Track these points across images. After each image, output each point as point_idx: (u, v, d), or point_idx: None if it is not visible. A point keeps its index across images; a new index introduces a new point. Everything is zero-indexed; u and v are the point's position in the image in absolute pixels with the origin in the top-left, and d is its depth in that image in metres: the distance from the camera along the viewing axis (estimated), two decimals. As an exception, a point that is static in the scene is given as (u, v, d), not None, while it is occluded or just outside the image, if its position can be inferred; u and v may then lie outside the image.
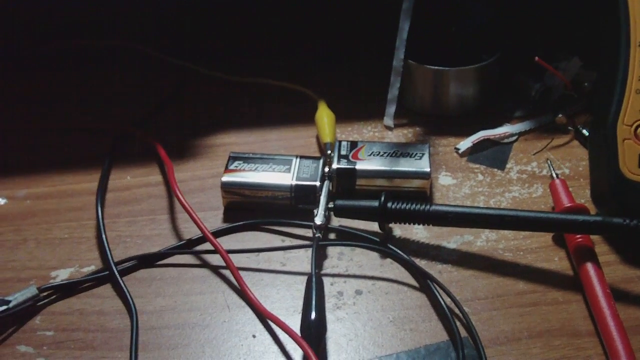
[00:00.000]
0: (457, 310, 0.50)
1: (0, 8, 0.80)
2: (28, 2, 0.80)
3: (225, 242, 0.56)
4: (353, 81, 0.76)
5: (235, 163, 0.59)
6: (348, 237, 0.57)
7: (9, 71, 0.78)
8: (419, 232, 0.57)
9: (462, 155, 0.65)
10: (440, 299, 0.51)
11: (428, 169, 0.59)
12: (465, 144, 0.65)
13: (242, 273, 0.52)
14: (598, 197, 0.57)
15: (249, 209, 0.58)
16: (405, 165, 0.59)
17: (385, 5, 0.68)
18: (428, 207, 0.54)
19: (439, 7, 0.70)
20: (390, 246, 0.55)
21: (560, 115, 0.67)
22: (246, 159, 0.60)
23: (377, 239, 0.56)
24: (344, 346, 0.49)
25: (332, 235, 0.57)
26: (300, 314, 0.49)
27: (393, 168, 0.59)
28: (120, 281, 0.52)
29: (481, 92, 0.69)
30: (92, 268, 0.54)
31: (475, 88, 0.69)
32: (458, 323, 0.49)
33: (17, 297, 0.50)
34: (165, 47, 0.80)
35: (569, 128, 0.67)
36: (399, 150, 0.61)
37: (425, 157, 0.60)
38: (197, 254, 0.55)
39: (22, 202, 0.61)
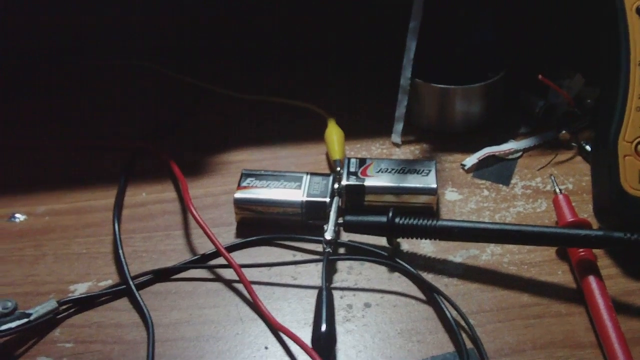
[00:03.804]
0: (462, 323, 0.51)
1: (18, 27, 0.82)
2: (45, 20, 0.82)
3: (238, 256, 0.57)
4: (361, 99, 0.77)
5: (248, 180, 0.61)
6: (357, 252, 0.58)
7: (26, 89, 0.80)
8: (426, 247, 0.58)
9: (467, 171, 0.66)
10: (447, 312, 0.52)
11: (435, 185, 0.60)
12: (470, 160, 0.67)
13: (254, 287, 0.53)
14: (600, 212, 0.58)
15: (261, 224, 0.60)
16: (413, 181, 0.61)
17: (393, 25, 0.70)
18: (435, 222, 0.55)
19: (445, 26, 0.72)
20: (398, 260, 0.56)
21: (563, 132, 0.68)
22: (258, 176, 0.61)
23: (386, 254, 0.57)
24: (354, 357, 0.50)
25: (341, 250, 0.58)
26: (311, 326, 0.50)
27: (401, 184, 0.61)
28: (137, 295, 0.54)
29: (486, 109, 0.71)
30: (109, 282, 0.56)
31: (481, 105, 0.70)
32: (464, 335, 0.50)
33: (37, 310, 0.51)
34: (179, 65, 0.81)
35: (573, 144, 0.68)
36: (407, 167, 0.62)
37: (432, 174, 0.61)
38: (211, 269, 0.57)
39: (41, 218, 0.62)
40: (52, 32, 0.82)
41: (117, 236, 0.59)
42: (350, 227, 0.58)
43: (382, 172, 0.62)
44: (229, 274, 0.56)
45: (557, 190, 0.60)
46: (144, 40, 0.84)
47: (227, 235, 0.60)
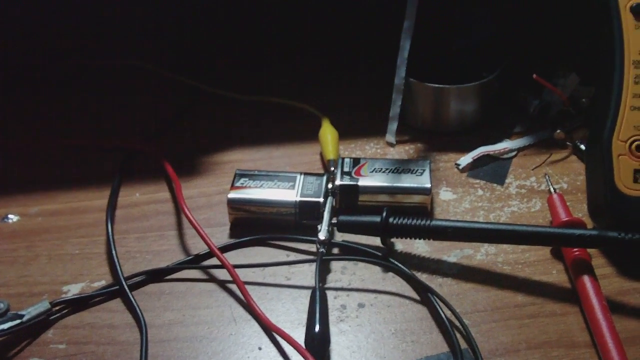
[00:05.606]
0: (457, 323, 0.51)
1: (15, 28, 0.81)
2: (40, 20, 0.81)
3: (232, 257, 0.57)
4: (355, 99, 0.77)
5: (241, 180, 0.61)
6: (351, 252, 0.58)
7: (21, 90, 0.80)
8: (420, 247, 0.58)
9: (462, 170, 0.66)
10: (441, 312, 0.52)
11: (429, 185, 0.60)
12: (465, 159, 0.67)
13: (248, 287, 0.53)
14: (594, 211, 0.58)
15: (255, 224, 0.60)
16: (407, 181, 0.61)
17: (387, 24, 0.70)
18: (429, 222, 0.55)
19: (439, 25, 0.72)
20: (392, 260, 0.56)
21: (558, 131, 0.68)
22: (252, 176, 0.61)
23: (379, 254, 0.57)
24: (347, 358, 0.50)
25: (335, 250, 0.58)
26: (305, 327, 0.50)
27: (395, 184, 0.60)
28: (130, 295, 0.54)
29: (481, 108, 0.70)
30: (103, 283, 0.56)
31: (476, 105, 0.70)
32: (458, 335, 0.50)
33: (30, 312, 0.51)
34: (173, 66, 0.81)
35: (567, 143, 0.68)
36: (401, 167, 0.62)
37: (426, 173, 0.61)
38: (204, 269, 0.57)
39: (34, 218, 0.62)
40: (50, 32, 0.82)
41: (111, 237, 0.59)
42: (344, 227, 0.58)
43: (376, 171, 0.62)
44: (222, 274, 0.56)
45: (552, 190, 0.60)
46: (139, 40, 0.84)
47: (220, 235, 0.60)
